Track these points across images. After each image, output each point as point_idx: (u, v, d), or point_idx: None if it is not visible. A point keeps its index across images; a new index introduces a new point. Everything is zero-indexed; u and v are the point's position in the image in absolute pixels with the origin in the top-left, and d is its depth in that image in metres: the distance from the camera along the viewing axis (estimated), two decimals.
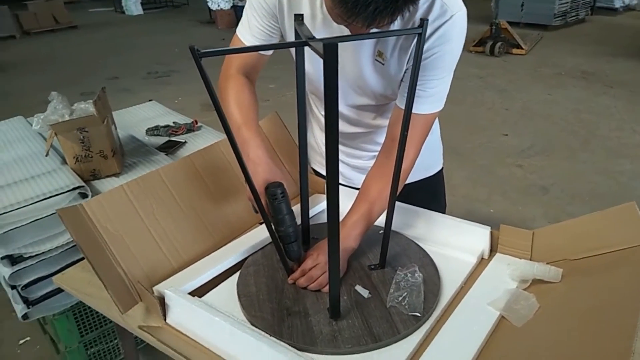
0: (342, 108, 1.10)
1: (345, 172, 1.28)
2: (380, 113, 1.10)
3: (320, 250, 0.95)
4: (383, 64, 0.96)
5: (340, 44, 0.97)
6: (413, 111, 0.94)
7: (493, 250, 1.02)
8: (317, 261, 0.93)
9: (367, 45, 0.95)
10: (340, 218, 0.87)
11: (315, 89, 1.12)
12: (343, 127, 1.15)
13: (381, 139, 1.16)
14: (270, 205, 0.91)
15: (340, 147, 1.23)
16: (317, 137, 1.29)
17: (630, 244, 0.85)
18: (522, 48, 6.09)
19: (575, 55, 5.99)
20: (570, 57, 5.90)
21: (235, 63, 1.06)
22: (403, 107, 0.95)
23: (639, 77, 5.10)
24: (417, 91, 0.93)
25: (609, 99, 4.55)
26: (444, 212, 1.18)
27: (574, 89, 4.87)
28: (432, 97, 0.95)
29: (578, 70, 5.42)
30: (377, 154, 1.20)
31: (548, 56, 6.02)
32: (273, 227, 0.91)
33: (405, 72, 0.97)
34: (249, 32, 1.04)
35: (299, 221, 0.98)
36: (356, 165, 1.25)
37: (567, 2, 7.34)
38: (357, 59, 0.98)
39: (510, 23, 6.33)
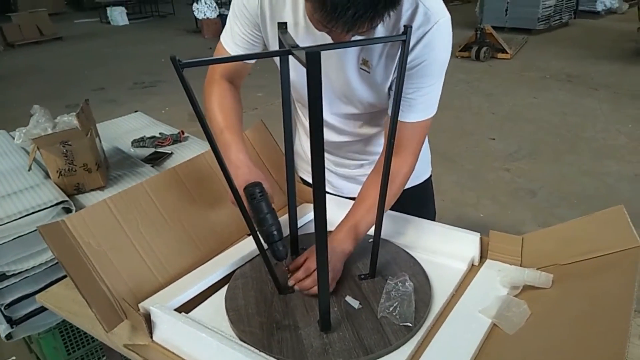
0: (328, 117, 1.09)
1: (333, 181, 1.27)
2: (366, 121, 1.10)
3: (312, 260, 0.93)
4: (369, 72, 0.96)
5: (324, 53, 0.96)
6: (408, 120, 0.95)
7: (483, 257, 1.01)
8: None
9: (351, 53, 0.95)
10: (330, 227, 0.86)
11: (300, 97, 1.11)
12: (329, 136, 1.14)
13: (369, 147, 1.15)
14: (250, 206, 0.90)
15: (328, 156, 1.22)
16: (303, 146, 1.28)
17: (619, 248, 0.84)
18: (507, 52, 6.16)
19: (560, 58, 6.07)
20: (555, 61, 5.97)
21: (218, 69, 1.06)
22: (398, 118, 0.95)
23: (623, 79, 5.17)
24: (409, 100, 0.93)
25: (594, 101, 4.60)
26: (433, 219, 1.17)
27: (559, 92, 4.92)
28: (423, 104, 0.95)
29: (563, 73, 5.48)
30: (364, 162, 1.20)
31: (533, 60, 6.09)
32: (256, 228, 0.90)
33: (394, 81, 0.96)
34: (231, 39, 1.04)
35: (285, 228, 0.96)
36: (344, 174, 1.25)
37: (550, 6, 7.45)
38: (342, 68, 0.97)
39: (495, 28, 6.39)
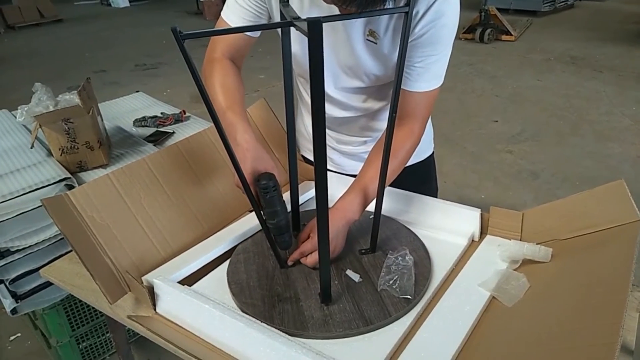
0: (332, 92, 1.09)
1: (335, 158, 1.27)
2: (371, 95, 1.09)
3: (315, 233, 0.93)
4: (376, 43, 0.95)
5: (330, 25, 0.95)
6: (415, 89, 0.95)
7: (483, 233, 1.02)
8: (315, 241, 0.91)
9: (358, 24, 0.94)
10: (331, 204, 0.86)
11: (303, 71, 1.11)
12: (332, 111, 1.14)
13: (372, 123, 1.15)
14: (262, 198, 0.87)
15: (330, 133, 1.22)
16: (306, 124, 1.28)
17: (619, 222, 0.85)
18: (511, 34, 6.09)
19: (565, 40, 6.01)
20: (560, 43, 5.91)
21: (220, 46, 1.03)
22: (406, 88, 0.95)
23: (628, 62, 5.13)
24: (416, 68, 0.93)
25: (598, 83, 4.57)
26: (435, 197, 1.18)
27: (563, 74, 4.88)
28: (431, 74, 0.95)
29: (567, 55, 5.44)
30: (367, 139, 1.20)
31: (537, 42, 6.03)
32: (264, 217, 0.89)
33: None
34: (235, 13, 1.01)
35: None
36: (346, 152, 1.25)
37: None
38: (348, 39, 0.96)
39: (499, 9, 6.32)
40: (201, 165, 1.12)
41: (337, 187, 1.06)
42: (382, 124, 1.14)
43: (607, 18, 7.15)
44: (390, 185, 1.07)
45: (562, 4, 7.64)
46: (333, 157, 1.27)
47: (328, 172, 0.75)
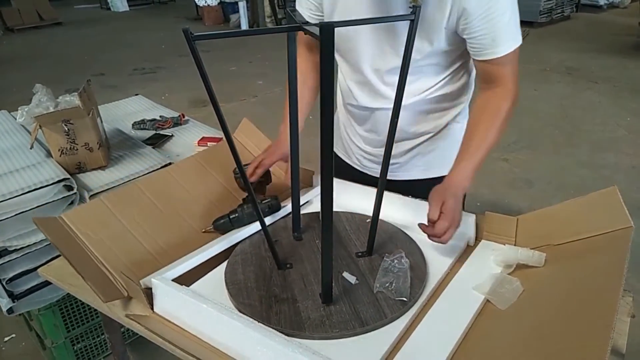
0: (366, 72, 1.09)
1: (364, 162, 1.27)
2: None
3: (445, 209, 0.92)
4: (419, 6, 0.95)
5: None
6: (491, 57, 0.96)
7: (478, 238, 1.03)
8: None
9: None
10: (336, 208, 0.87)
11: (345, 50, 1.10)
12: (362, 99, 1.14)
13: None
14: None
15: (357, 129, 1.22)
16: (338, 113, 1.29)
17: (611, 228, 0.86)
18: None
19: (561, 51, 6.06)
20: (556, 53, 5.96)
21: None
22: (483, 58, 0.97)
23: (623, 73, 5.18)
24: (484, 37, 0.94)
25: (594, 94, 4.61)
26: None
27: (559, 84, 4.92)
28: (503, 38, 0.94)
29: (563, 66, 5.48)
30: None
31: (534, 52, 6.07)
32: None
33: (454, 22, 0.95)
34: (299, 3, 1.12)
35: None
36: (370, 152, 1.24)
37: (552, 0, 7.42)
38: (388, 10, 0.97)
39: None
40: (194, 184, 1.14)
41: (341, 195, 1.07)
42: (409, 127, 1.15)
43: (602, 30, 7.22)
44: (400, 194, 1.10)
45: (559, 15, 7.72)
46: (359, 159, 1.28)
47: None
